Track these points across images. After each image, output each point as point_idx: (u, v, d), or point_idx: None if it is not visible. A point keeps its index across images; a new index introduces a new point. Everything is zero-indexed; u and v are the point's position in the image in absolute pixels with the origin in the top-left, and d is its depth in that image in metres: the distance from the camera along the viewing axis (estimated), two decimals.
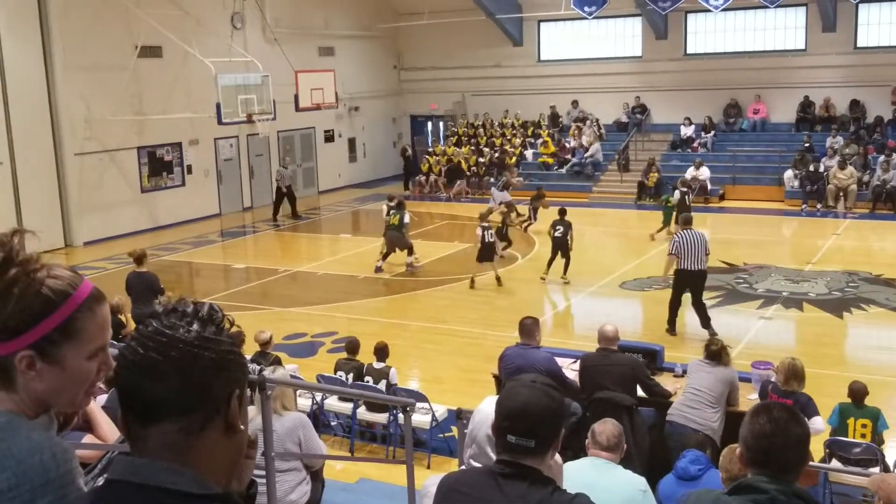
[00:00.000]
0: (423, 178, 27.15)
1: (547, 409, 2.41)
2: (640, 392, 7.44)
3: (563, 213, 15.50)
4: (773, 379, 7.14)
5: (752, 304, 13.62)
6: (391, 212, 16.51)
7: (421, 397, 8.41)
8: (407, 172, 28.18)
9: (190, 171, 22.93)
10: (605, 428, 4.71)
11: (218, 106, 21.07)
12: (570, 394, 7.64)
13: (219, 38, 22.81)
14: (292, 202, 23.05)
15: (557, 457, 2.70)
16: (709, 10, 23.50)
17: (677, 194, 18.71)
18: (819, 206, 21.62)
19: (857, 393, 7.48)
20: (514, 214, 18.07)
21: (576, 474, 4.56)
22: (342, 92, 26.60)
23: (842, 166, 21.67)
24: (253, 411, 4.58)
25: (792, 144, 23.94)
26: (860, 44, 24.22)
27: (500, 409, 2.42)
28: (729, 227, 19.70)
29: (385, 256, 16.57)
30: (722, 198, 22.93)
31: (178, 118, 21.13)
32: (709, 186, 23.02)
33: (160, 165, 22.17)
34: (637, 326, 13.58)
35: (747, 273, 15.42)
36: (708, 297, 13.98)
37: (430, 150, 28.88)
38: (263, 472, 3.56)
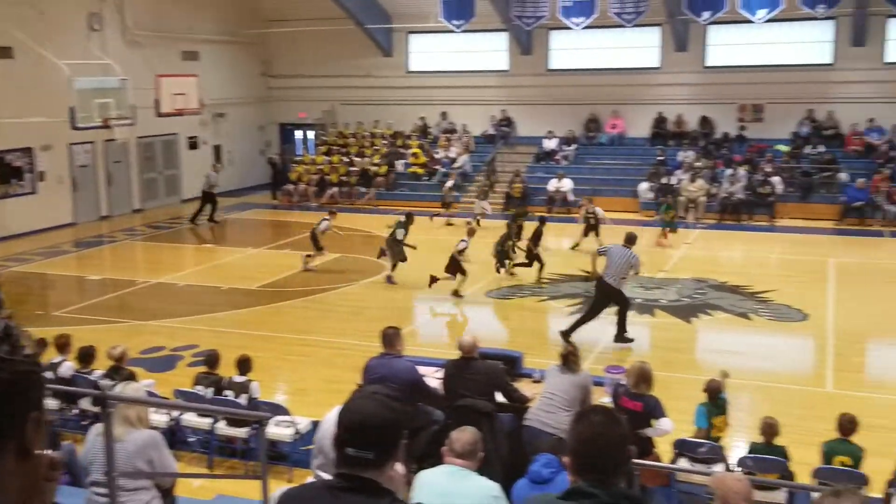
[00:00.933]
0: (291, 188, 26.85)
1: (387, 421, 2.43)
2: (500, 398, 7.62)
3: (542, 221, 16.64)
4: (623, 382, 7.44)
5: (608, 311, 14.13)
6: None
7: (283, 410, 8.32)
8: (275, 181, 27.81)
9: (42, 177, 21.84)
10: (461, 436, 4.81)
11: (72, 110, 20.22)
12: (433, 402, 7.77)
13: (75, 40, 21.89)
14: (213, 207, 22.99)
15: (399, 467, 2.75)
16: (570, 28, 24.33)
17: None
18: None
19: (713, 391, 7.88)
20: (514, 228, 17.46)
21: (431, 482, 4.65)
22: (207, 98, 26.01)
23: (692, 179, 22.87)
24: (101, 428, 4.44)
25: (647, 158, 25.08)
26: (709, 63, 25.64)
27: (340, 422, 2.43)
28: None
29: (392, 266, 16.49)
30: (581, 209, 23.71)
31: (29, 122, 20.08)
32: (570, 198, 23.79)
33: (9, 172, 21.01)
34: (502, 334, 13.89)
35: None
36: (567, 304, 14.53)
37: (300, 158, 28.61)
38: (106, 492, 3.45)
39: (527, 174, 25.37)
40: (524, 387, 8.07)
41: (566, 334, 12.06)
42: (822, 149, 23.70)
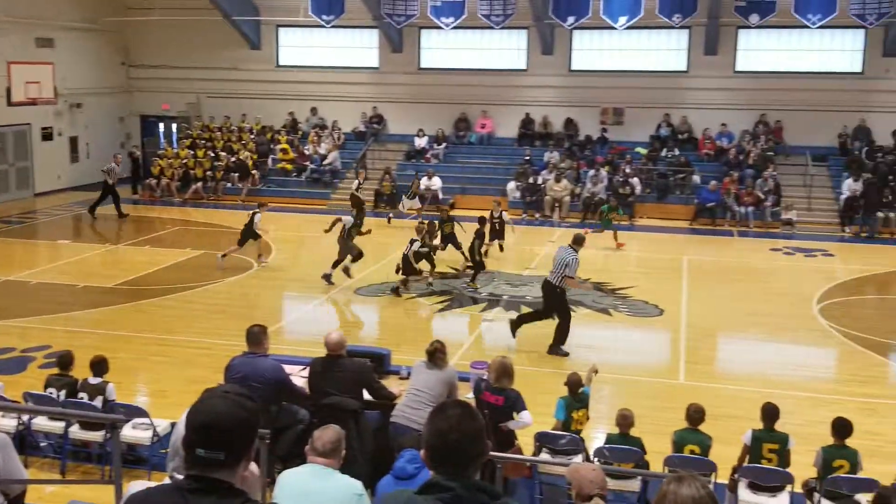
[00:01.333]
0: (153, 182, 25.92)
1: (238, 420, 2.38)
2: (368, 396, 7.61)
3: (482, 221, 16.66)
4: (485, 377, 7.57)
5: (476, 308, 14.40)
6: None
7: (141, 412, 8.04)
8: (135, 175, 26.78)
9: None
10: (323, 434, 4.78)
11: None
12: (298, 401, 7.68)
13: None
14: (101, 201, 22.21)
15: (253, 467, 2.70)
16: (441, 28, 24.57)
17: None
18: (537, 215, 23.35)
19: (573, 384, 8.09)
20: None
21: (292, 482, 4.61)
22: (62, 87, 24.82)
23: (557, 179, 23.53)
24: None
25: (514, 158, 25.62)
26: (574, 67, 26.43)
27: (189, 422, 2.37)
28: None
29: (335, 264, 15.78)
30: (452, 207, 23.97)
31: None
32: (440, 196, 24.02)
33: None
34: (371, 331, 13.89)
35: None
36: (436, 301, 14.67)
37: (162, 152, 27.66)
38: None
39: (396, 171, 25.43)
40: (391, 384, 8.09)
41: (553, 348, 12.12)
42: (677, 152, 24.86)
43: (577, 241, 12.24)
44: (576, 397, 8.05)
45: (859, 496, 6.94)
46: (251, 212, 17.24)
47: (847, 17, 22.40)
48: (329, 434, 4.75)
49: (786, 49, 24.88)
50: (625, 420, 7.62)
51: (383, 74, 27.54)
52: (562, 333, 12.07)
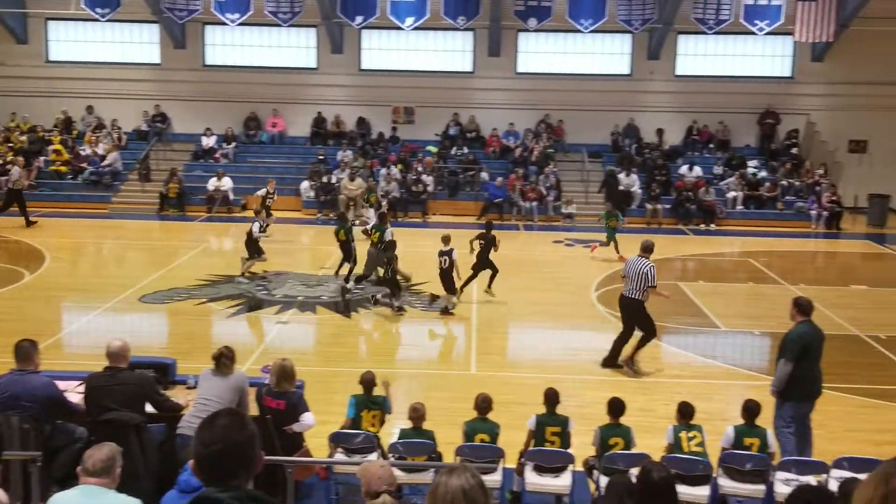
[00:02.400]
0: None
1: None
2: (151, 409, 7.27)
3: (489, 227, 15.78)
4: (266, 381, 7.44)
5: (270, 310, 14.15)
6: (371, 228, 15.17)
7: None
8: None
9: None
10: (95, 453, 4.53)
11: None
12: (75, 418, 7.23)
13: None
14: (23, 208, 20.49)
15: (1, 494, 2.51)
16: (226, 24, 23.91)
17: None
18: (332, 214, 23.23)
19: (367, 383, 8.11)
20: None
21: None
22: None
23: (351, 178, 23.57)
24: None
25: (308, 157, 25.43)
26: (364, 66, 26.58)
27: None
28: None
29: (360, 278, 14.89)
30: (244, 208, 23.45)
31: None
32: (231, 197, 23.39)
33: None
34: (159, 339, 13.28)
35: (267, 280, 15.98)
36: (229, 305, 14.28)
37: None
38: None
39: (184, 172, 24.49)
40: (178, 394, 7.78)
41: (608, 361, 11.65)
42: (466, 150, 25.63)
43: (647, 249, 11.62)
44: (370, 397, 8.07)
45: (633, 470, 7.45)
46: (251, 223, 16.35)
47: (615, 22, 24.00)
48: (101, 452, 4.50)
49: (562, 52, 26.30)
50: (416, 413, 7.75)
51: (166, 71, 26.44)
52: (640, 345, 11.60)
